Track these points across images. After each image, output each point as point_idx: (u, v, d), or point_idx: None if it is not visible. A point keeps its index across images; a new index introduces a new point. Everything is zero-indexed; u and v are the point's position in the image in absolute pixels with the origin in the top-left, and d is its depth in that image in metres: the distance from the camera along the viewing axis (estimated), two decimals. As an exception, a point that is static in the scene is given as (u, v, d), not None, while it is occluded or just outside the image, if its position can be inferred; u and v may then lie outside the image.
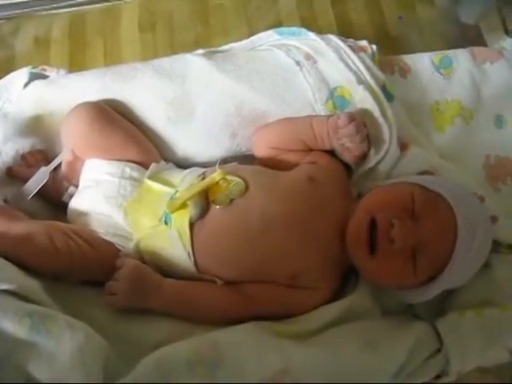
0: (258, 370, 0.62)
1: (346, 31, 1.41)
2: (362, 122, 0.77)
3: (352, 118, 0.75)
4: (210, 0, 1.47)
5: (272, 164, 0.81)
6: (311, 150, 0.81)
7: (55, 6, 1.38)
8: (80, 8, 1.42)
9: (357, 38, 0.91)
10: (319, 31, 0.91)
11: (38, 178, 0.78)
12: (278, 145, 0.82)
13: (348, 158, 0.79)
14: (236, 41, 0.93)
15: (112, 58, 1.40)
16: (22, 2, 1.35)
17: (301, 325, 0.70)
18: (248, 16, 1.44)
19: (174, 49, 1.42)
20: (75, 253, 0.69)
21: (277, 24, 1.40)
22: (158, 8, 1.47)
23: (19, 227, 0.69)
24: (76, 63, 1.36)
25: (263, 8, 1.45)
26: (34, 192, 0.78)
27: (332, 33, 0.89)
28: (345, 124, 0.75)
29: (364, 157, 0.80)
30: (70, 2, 1.39)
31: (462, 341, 0.69)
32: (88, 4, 1.42)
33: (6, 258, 0.67)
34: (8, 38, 1.38)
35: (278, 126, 0.83)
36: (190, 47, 1.38)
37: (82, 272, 0.71)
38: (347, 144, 0.76)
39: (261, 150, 0.83)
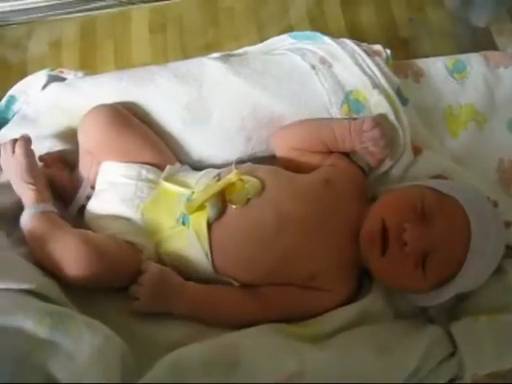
0: (273, 371, 0.62)
1: (356, 34, 1.41)
2: (385, 126, 0.78)
3: (377, 122, 0.76)
4: (221, 3, 1.48)
5: (292, 165, 0.81)
6: (330, 151, 0.82)
7: (68, 11, 1.40)
8: (92, 13, 1.43)
9: (367, 41, 0.92)
10: (330, 35, 0.92)
11: (83, 192, 0.80)
12: (299, 145, 0.82)
13: (371, 161, 0.80)
14: (247, 43, 0.94)
15: (122, 60, 1.41)
16: (35, 8, 1.37)
17: (315, 328, 0.71)
18: (258, 19, 1.45)
19: (184, 50, 1.43)
20: (112, 259, 0.69)
21: (287, 28, 1.41)
22: (169, 10, 1.48)
23: (59, 237, 0.68)
24: (87, 65, 1.38)
25: (274, 11, 1.46)
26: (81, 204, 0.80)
27: (342, 36, 0.90)
28: (369, 128, 0.76)
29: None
30: (83, 7, 1.40)
31: (476, 345, 0.69)
32: (100, 9, 1.43)
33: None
34: (22, 42, 1.40)
35: (299, 127, 0.83)
36: (200, 49, 1.40)
37: (108, 282, 0.71)
38: (371, 148, 0.77)
39: (281, 151, 0.84)
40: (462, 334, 0.70)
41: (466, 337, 0.69)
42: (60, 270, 0.66)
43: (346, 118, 0.81)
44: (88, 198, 0.80)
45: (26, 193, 0.73)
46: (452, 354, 0.69)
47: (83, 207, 0.80)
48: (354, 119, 0.80)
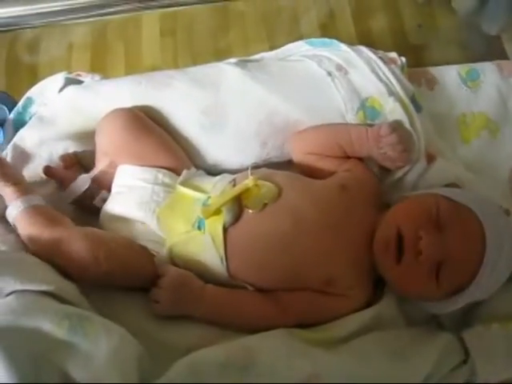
0: (288, 375, 0.62)
1: (367, 42, 1.42)
2: (403, 132, 0.78)
3: (394, 128, 0.77)
4: (232, 10, 1.49)
5: (309, 170, 0.82)
6: (347, 156, 0.82)
7: (81, 16, 1.41)
8: (105, 18, 1.45)
9: (378, 49, 0.92)
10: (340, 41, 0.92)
11: (79, 185, 0.79)
12: (316, 150, 0.83)
13: (390, 167, 0.80)
14: (257, 50, 0.95)
15: (133, 63, 1.42)
16: (49, 12, 1.39)
17: (329, 332, 0.71)
18: (269, 27, 1.45)
19: (193, 55, 1.44)
20: (116, 261, 0.69)
21: (298, 37, 1.41)
22: (179, 16, 1.49)
23: (57, 233, 0.69)
24: (97, 68, 1.38)
25: (285, 20, 1.47)
26: (73, 198, 0.79)
27: (353, 44, 0.91)
28: (387, 133, 0.76)
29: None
30: (96, 13, 1.42)
31: (488, 353, 0.69)
32: (113, 14, 1.44)
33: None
34: (35, 45, 1.41)
35: (316, 131, 0.84)
36: (210, 54, 1.41)
37: (118, 281, 0.72)
38: (389, 153, 0.77)
39: (298, 155, 0.84)
40: (475, 341, 0.70)
41: (479, 344, 0.70)
42: (67, 267, 0.67)
43: (361, 124, 0.82)
44: (104, 200, 0.80)
45: (3, 191, 0.73)
46: (464, 362, 0.69)
47: (98, 210, 0.80)
48: (370, 125, 0.80)
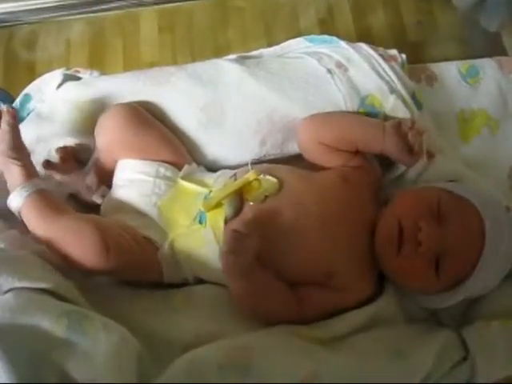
0: (287, 374, 0.62)
1: (366, 39, 1.42)
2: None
3: (413, 121, 0.75)
4: (230, 2, 1.48)
5: (316, 160, 0.81)
6: (356, 151, 0.80)
7: (78, 11, 1.40)
8: (102, 14, 1.44)
9: (377, 46, 0.92)
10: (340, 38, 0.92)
11: (73, 183, 0.79)
12: (329, 142, 0.79)
13: (406, 159, 0.77)
14: (255, 47, 0.94)
15: (131, 60, 1.41)
16: (46, 8, 1.38)
17: (328, 330, 0.71)
18: (268, 24, 1.45)
19: (192, 50, 1.43)
20: (125, 252, 0.69)
21: (297, 34, 1.41)
22: (178, 12, 1.48)
23: (66, 221, 0.68)
24: (95, 64, 1.38)
25: (282, 13, 1.46)
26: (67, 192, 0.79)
27: (351, 39, 0.90)
28: (411, 124, 0.74)
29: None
30: (93, 9, 1.41)
31: (488, 350, 0.69)
32: (110, 10, 1.43)
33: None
34: (32, 41, 1.40)
35: (333, 123, 0.81)
36: (208, 50, 1.40)
37: (125, 272, 0.71)
38: (414, 143, 0.74)
39: (308, 142, 0.82)
40: (475, 338, 0.70)
41: (479, 341, 0.70)
42: (73, 257, 0.66)
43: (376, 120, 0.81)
44: (103, 196, 0.80)
45: (11, 169, 0.71)
46: (464, 359, 0.69)
47: (98, 206, 0.80)
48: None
